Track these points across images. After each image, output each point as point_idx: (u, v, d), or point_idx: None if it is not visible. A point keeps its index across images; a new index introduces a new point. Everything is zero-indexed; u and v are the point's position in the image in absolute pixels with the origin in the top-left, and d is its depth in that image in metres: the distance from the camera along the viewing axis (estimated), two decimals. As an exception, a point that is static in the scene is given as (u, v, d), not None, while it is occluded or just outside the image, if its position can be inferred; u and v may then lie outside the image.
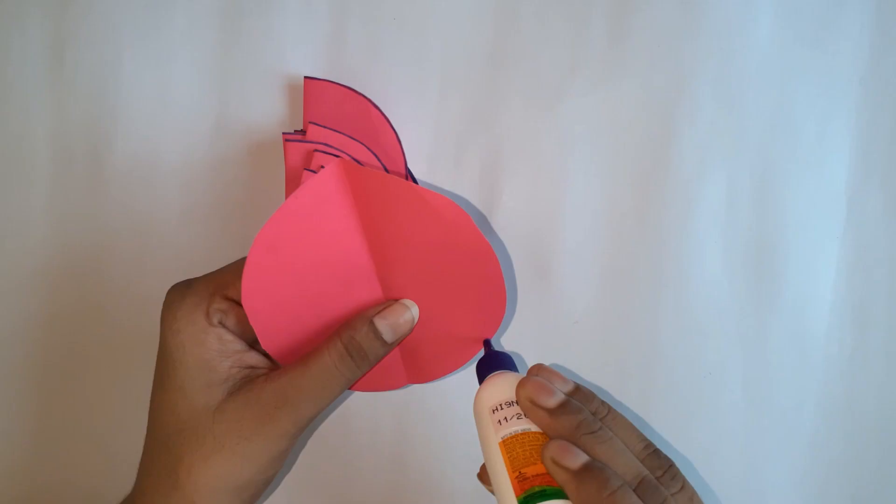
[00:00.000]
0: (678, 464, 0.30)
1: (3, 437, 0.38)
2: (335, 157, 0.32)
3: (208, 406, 0.31)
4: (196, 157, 0.37)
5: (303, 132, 0.34)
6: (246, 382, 0.32)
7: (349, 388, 0.34)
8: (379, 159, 0.35)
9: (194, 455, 0.31)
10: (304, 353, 0.32)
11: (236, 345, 0.32)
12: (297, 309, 0.32)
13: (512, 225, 0.36)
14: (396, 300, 0.33)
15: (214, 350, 0.31)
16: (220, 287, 0.32)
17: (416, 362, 0.35)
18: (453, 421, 0.37)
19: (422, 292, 0.33)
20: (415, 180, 0.36)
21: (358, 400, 0.37)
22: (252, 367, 0.32)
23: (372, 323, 0.32)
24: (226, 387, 0.31)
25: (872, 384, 0.36)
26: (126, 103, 0.37)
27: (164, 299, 0.32)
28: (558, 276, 0.36)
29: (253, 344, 0.33)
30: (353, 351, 0.31)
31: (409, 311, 0.33)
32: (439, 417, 0.37)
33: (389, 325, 0.32)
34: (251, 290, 0.31)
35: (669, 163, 0.36)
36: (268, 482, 0.32)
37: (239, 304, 0.32)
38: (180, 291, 0.32)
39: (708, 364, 0.36)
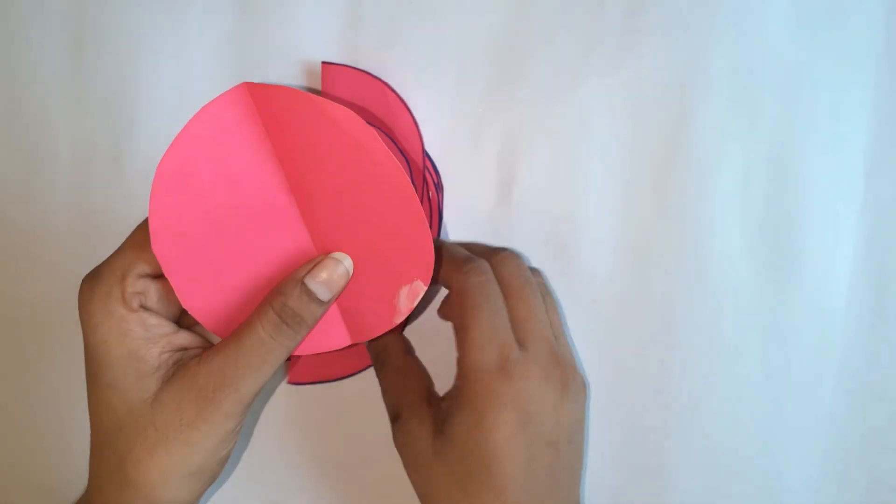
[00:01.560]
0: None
1: None
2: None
3: (143, 398, 0.30)
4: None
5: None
6: (180, 367, 0.30)
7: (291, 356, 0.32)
8: (396, 143, 0.35)
9: (138, 450, 0.29)
10: (229, 312, 0.31)
11: (162, 327, 0.30)
12: (216, 260, 0.30)
13: (530, 205, 0.36)
14: (326, 255, 0.31)
15: (139, 338, 0.30)
16: (129, 266, 0.30)
17: (357, 318, 0.32)
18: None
19: (349, 234, 0.31)
20: (433, 163, 0.36)
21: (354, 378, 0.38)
22: (183, 349, 0.31)
23: (303, 284, 0.30)
24: (158, 375, 0.30)
25: (892, 359, 0.36)
26: (144, 95, 0.37)
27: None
28: (576, 255, 0.36)
29: (180, 322, 0.32)
30: (288, 318, 0.30)
31: (342, 265, 0.31)
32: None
33: (322, 283, 0.30)
34: (160, 232, 0.29)
35: (686, 141, 0.36)
36: (223, 461, 0.32)
37: (155, 277, 0.31)
38: (88, 283, 0.30)
39: (726, 341, 0.36)
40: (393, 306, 0.31)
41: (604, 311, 0.36)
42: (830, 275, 0.36)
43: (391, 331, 0.32)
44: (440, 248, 0.32)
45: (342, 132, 0.28)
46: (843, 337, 0.36)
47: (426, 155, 0.36)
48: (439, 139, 0.36)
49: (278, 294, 0.30)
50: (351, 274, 0.31)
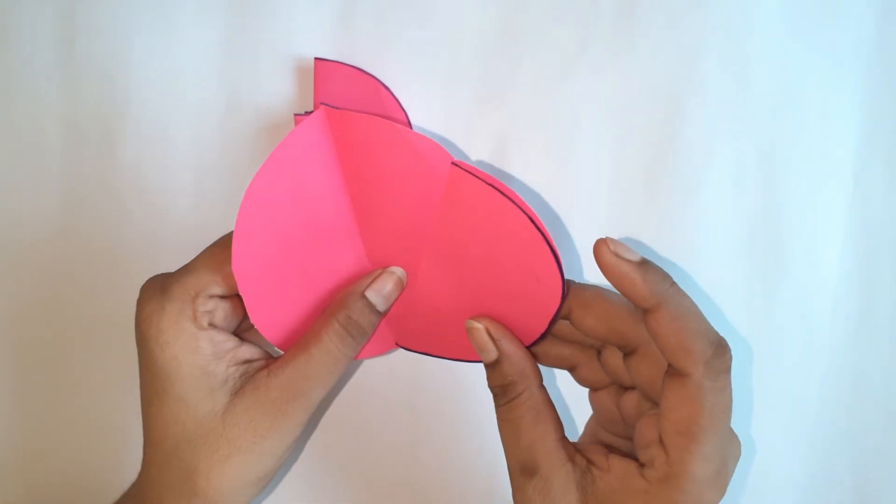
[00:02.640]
0: None
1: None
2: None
3: (214, 412, 0.31)
4: (207, 140, 0.37)
5: (314, 113, 0.34)
6: (247, 380, 0.31)
7: None
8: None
9: (210, 461, 0.31)
10: (290, 325, 0.32)
11: (228, 343, 0.32)
12: (283, 276, 0.32)
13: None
14: (383, 269, 0.33)
15: (209, 355, 0.31)
16: (203, 286, 0.31)
17: (406, 327, 0.34)
18: (466, 397, 0.37)
19: (412, 257, 0.32)
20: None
21: (369, 378, 0.38)
22: (248, 361, 0.32)
23: (364, 297, 0.32)
24: (227, 389, 0.31)
25: (878, 359, 0.36)
26: (136, 88, 0.37)
27: (137, 307, 0.31)
28: (567, 254, 0.36)
29: (241, 336, 0.33)
30: (353, 329, 0.31)
31: (396, 276, 0.33)
32: (451, 395, 0.37)
33: (381, 295, 0.32)
34: (242, 253, 0.30)
35: (677, 140, 0.36)
36: (284, 462, 0.33)
37: (221, 297, 0.31)
38: (157, 300, 0.31)
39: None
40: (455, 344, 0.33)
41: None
42: (818, 275, 0.36)
43: (529, 355, 0.30)
44: (675, 311, 0.27)
45: (424, 163, 0.30)
46: (830, 336, 0.36)
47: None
48: (431, 136, 0.36)
49: (341, 307, 0.32)
50: (405, 284, 0.33)
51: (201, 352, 0.31)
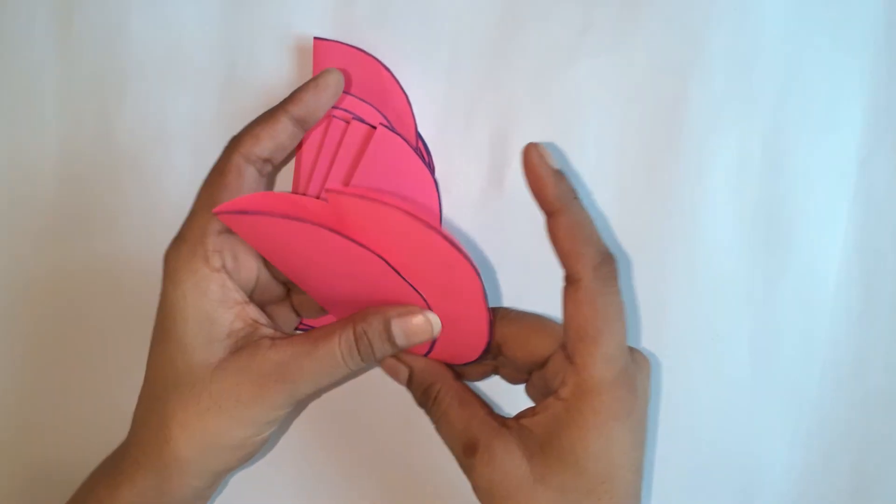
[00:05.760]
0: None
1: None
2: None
3: (207, 363, 0.30)
4: (205, 119, 0.37)
5: (313, 93, 0.34)
6: (249, 343, 0.31)
7: None
8: (389, 121, 0.35)
9: (188, 411, 0.30)
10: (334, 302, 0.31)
11: (238, 294, 0.31)
12: None
13: (522, 188, 0.36)
14: (422, 310, 0.31)
15: (216, 299, 0.31)
16: (204, 223, 0.31)
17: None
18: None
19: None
20: (425, 143, 0.36)
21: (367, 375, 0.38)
22: (255, 323, 0.32)
23: (388, 323, 0.30)
24: (227, 343, 0.31)
25: (879, 350, 0.36)
26: (134, 65, 0.37)
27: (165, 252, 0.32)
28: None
29: (251, 294, 0.33)
30: (362, 345, 0.30)
31: (431, 326, 0.31)
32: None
33: (405, 331, 0.31)
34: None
35: (681, 126, 0.35)
36: (264, 441, 0.32)
37: (230, 231, 0.31)
38: (175, 242, 0.31)
39: (716, 328, 0.36)
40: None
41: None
42: (820, 265, 0.36)
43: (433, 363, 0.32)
44: (573, 218, 0.29)
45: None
46: (831, 326, 0.36)
47: (419, 135, 0.36)
48: (432, 119, 0.36)
49: (363, 320, 0.31)
50: (435, 336, 0.31)
51: (210, 294, 0.30)
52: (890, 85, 0.35)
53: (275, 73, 0.36)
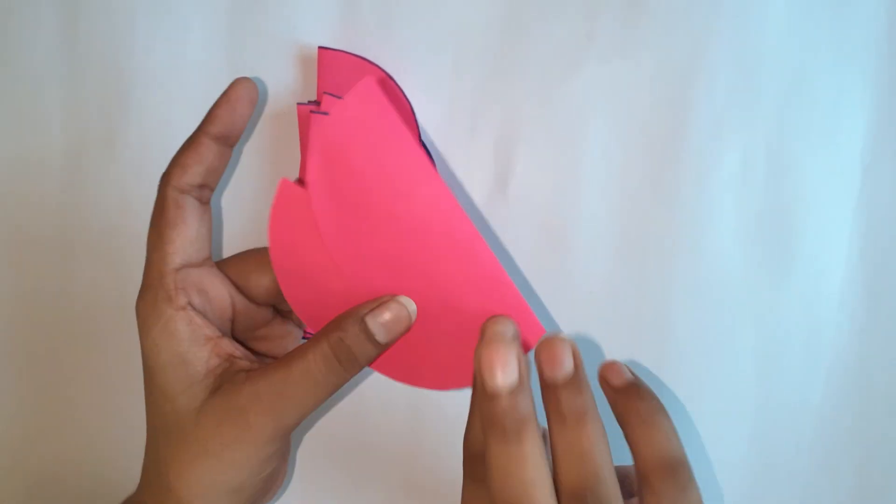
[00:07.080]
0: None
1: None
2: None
3: (191, 407, 0.29)
4: (210, 128, 0.37)
5: (317, 103, 0.34)
6: (226, 380, 0.30)
7: None
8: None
9: (180, 459, 0.29)
10: (323, 305, 0.30)
11: (208, 329, 0.30)
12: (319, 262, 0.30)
13: (526, 195, 0.36)
14: (392, 296, 0.29)
15: (187, 339, 0.29)
16: (161, 260, 0.30)
17: (407, 359, 0.32)
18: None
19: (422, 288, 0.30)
20: (429, 152, 0.36)
21: (369, 379, 0.38)
22: (231, 357, 0.30)
23: (363, 322, 0.29)
24: (207, 383, 0.30)
25: (883, 356, 0.36)
26: (139, 74, 0.37)
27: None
28: (572, 247, 0.36)
29: (224, 329, 0.32)
30: (342, 355, 0.28)
31: (406, 309, 0.29)
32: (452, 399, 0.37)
33: (383, 324, 0.29)
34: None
35: (685, 133, 0.35)
36: (268, 479, 0.31)
37: (193, 266, 0.30)
38: (140, 293, 0.30)
39: (720, 334, 0.36)
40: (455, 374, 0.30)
41: (601, 303, 0.36)
42: (825, 268, 0.36)
43: None
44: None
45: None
46: (836, 333, 0.36)
47: (423, 144, 0.36)
48: (435, 127, 0.36)
49: (336, 328, 0.29)
50: (413, 320, 0.29)
51: (178, 335, 0.29)
52: (894, 92, 0.35)
53: (280, 83, 0.36)
